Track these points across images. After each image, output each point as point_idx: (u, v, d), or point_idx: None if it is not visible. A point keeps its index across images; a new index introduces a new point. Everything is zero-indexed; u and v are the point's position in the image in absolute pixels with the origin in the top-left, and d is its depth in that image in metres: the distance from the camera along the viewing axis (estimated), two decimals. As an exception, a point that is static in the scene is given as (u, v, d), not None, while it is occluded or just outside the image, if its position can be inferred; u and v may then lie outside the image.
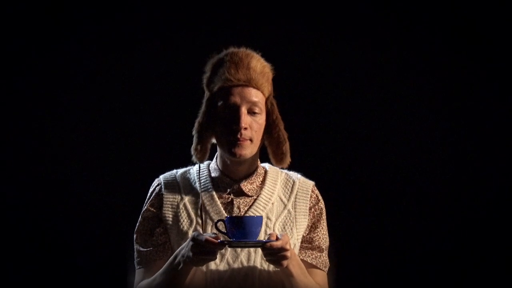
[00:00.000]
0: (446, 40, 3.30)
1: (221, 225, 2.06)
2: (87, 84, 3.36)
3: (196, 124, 2.21)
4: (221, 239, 2.00)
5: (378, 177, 3.30)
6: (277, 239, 1.96)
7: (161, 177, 2.31)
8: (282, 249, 1.95)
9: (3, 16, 3.31)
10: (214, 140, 2.22)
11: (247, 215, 2.16)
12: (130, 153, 3.35)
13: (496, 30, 3.27)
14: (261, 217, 2.02)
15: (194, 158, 2.21)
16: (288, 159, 2.22)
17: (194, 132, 2.21)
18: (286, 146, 2.21)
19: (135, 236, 2.25)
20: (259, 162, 2.28)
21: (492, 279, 3.24)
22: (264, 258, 2.03)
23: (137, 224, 2.26)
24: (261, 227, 2.01)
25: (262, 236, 2.12)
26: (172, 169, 2.34)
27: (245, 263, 2.16)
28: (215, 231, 2.10)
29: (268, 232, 2.16)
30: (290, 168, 2.29)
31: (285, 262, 1.99)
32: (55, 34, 3.34)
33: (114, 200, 3.29)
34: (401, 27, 3.32)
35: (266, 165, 2.31)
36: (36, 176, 3.32)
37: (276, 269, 2.13)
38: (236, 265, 2.15)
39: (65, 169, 3.34)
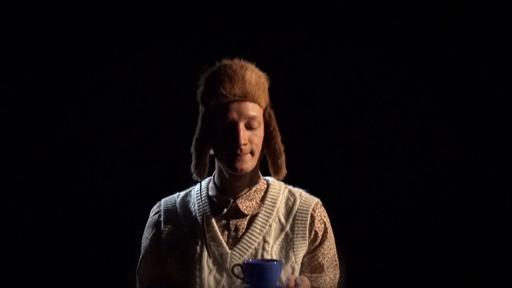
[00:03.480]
0: (447, 41, 3.25)
1: (237, 270, 1.99)
2: (92, 88, 3.33)
3: (194, 142, 2.13)
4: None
5: (380, 183, 3.25)
6: (296, 283, 1.88)
7: (162, 202, 2.26)
8: None
9: (7, 18, 3.29)
10: (213, 153, 2.14)
11: (266, 260, 2.04)
12: (133, 155, 3.31)
13: (497, 30, 3.23)
14: (280, 262, 1.93)
15: (194, 176, 2.13)
16: (283, 172, 2.14)
17: (192, 150, 2.13)
18: (282, 159, 2.14)
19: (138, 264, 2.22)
20: (260, 176, 2.20)
21: (496, 280, 3.20)
22: None
23: (141, 252, 2.23)
24: (280, 272, 1.92)
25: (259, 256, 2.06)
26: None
27: None
28: (211, 258, 2.09)
29: (266, 256, 2.09)
30: (293, 180, 2.21)
31: None
32: (57, 36, 3.31)
33: (117, 202, 3.27)
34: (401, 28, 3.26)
35: (270, 179, 2.22)
36: (39, 179, 3.29)
37: None
38: None
39: (68, 172, 3.32)
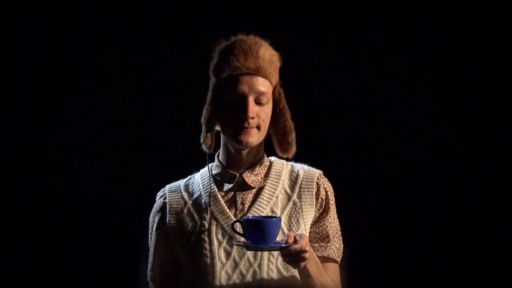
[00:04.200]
0: (452, 40, 3.31)
1: (237, 226, 2.03)
2: (93, 86, 3.38)
3: (204, 112, 2.17)
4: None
5: (387, 168, 3.29)
6: (295, 240, 1.92)
7: (166, 186, 2.30)
8: (302, 251, 1.91)
9: (9, 19, 3.33)
10: (219, 128, 2.19)
11: (265, 216, 2.10)
12: (138, 152, 3.37)
13: (497, 30, 3.28)
14: (279, 218, 1.97)
15: (203, 147, 2.17)
16: (293, 149, 2.20)
17: (202, 120, 2.17)
18: (292, 136, 2.19)
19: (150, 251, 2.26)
20: (264, 153, 2.25)
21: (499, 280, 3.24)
22: (282, 259, 2.00)
23: (149, 240, 2.27)
24: (279, 228, 1.96)
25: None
26: (178, 171, 2.35)
27: (252, 260, 2.13)
28: (220, 231, 2.13)
29: None
30: (297, 159, 2.26)
31: (303, 263, 1.96)
32: (58, 36, 3.37)
33: (121, 201, 3.32)
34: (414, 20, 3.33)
35: (272, 158, 2.28)
36: (43, 179, 3.35)
37: (285, 265, 2.10)
38: (243, 263, 2.13)
39: (72, 171, 3.37)
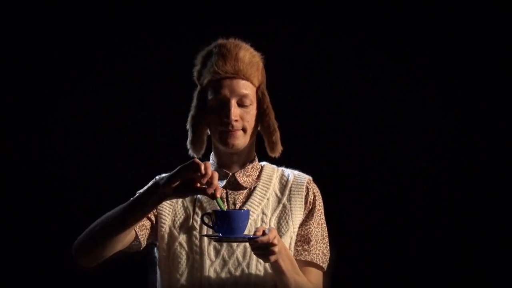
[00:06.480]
0: (446, 40, 3.30)
1: (207, 219, 2.03)
2: (93, 86, 3.39)
3: (189, 118, 2.22)
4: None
5: (375, 172, 3.29)
6: (264, 233, 1.92)
7: (163, 174, 2.26)
8: (270, 244, 1.91)
9: (9, 19, 3.35)
10: (209, 132, 2.22)
11: (234, 209, 2.13)
12: (138, 151, 3.37)
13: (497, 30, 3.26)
14: (247, 211, 1.99)
15: (190, 152, 2.21)
16: (279, 148, 2.23)
17: (188, 126, 2.22)
18: (276, 136, 2.21)
19: None
20: (256, 155, 2.27)
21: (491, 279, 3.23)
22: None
23: None
24: (247, 221, 1.97)
25: (252, 230, 2.08)
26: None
27: (241, 259, 2.14)
28: (211, 228, 2.09)
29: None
30: (287, 161, 2.27)
31: (273, 257, 1.95)
32: (58, 36, 3.37)
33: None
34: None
35: (263, 162, 2.30)
36: (43, 179, 3.35)
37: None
38: (232, 261, 2.14)
39: (69, 170, 3.37)
